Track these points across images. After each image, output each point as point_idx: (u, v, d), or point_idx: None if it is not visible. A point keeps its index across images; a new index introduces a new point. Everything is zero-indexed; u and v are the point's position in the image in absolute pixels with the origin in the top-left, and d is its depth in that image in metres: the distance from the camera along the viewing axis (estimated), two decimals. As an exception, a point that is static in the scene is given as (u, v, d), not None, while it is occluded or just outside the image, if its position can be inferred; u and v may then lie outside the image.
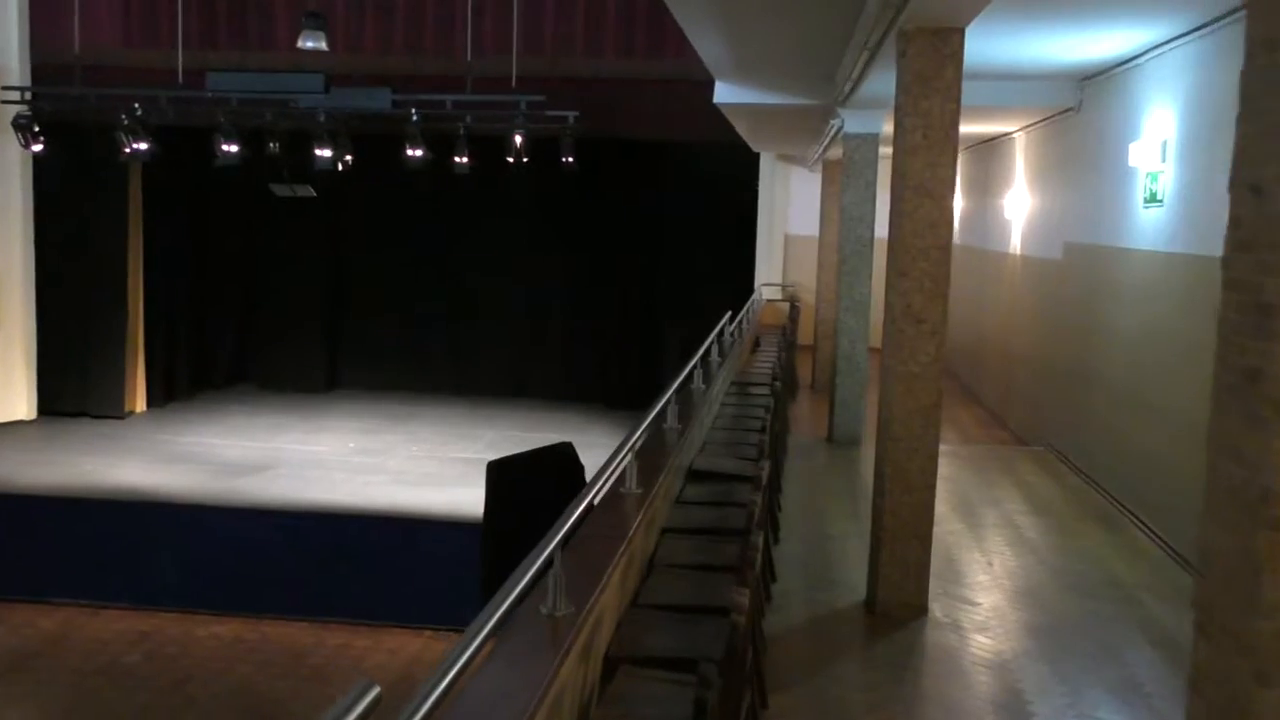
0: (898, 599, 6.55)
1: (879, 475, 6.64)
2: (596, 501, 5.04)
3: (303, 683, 11.97)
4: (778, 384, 9.19)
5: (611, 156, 18.50)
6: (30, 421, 17.93)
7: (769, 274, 20.01)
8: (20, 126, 15.81)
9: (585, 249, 20.02)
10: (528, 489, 7.80)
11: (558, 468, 8.19)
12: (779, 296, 19.79)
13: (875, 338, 8.75)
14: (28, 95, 16.49)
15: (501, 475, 8.58)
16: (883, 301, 6.77)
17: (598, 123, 16.21)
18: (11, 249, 17.60)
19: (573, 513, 4.21)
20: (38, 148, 16.02)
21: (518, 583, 3.56)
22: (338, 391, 20.98)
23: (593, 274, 20.08)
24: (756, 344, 15.32)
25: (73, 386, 18.59)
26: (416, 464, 16.12)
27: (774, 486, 7.86)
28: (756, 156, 19.20)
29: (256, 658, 12.58)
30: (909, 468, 6.47)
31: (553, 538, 3.95)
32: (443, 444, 17.29)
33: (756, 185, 19.73)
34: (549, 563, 3.93)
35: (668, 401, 7.17)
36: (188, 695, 11.82)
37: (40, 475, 14.98)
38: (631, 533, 5.05)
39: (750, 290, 18.73)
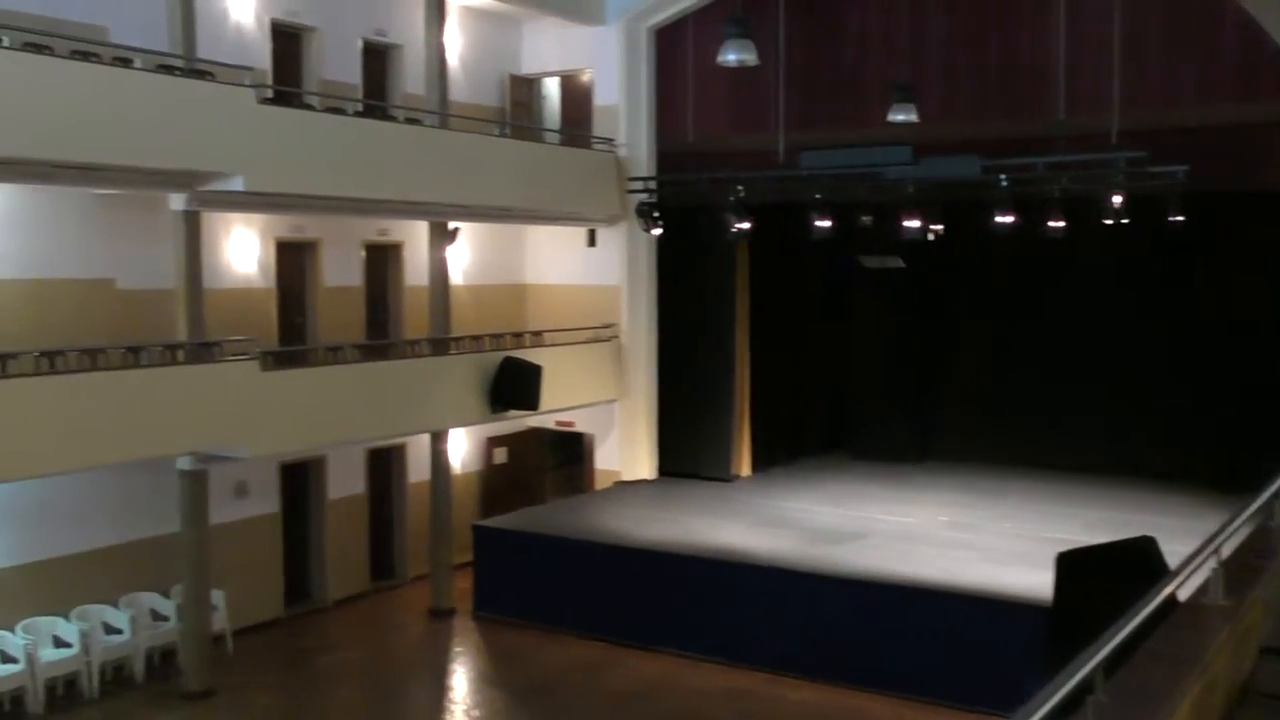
0: None
1: None
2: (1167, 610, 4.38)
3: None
4: None
5: (1228, 213, 16.50)
6: (651, 481, 19.61)
7: None
8: (642, 213, 17.48)
9: (1192, 315, 18.08)
10: (1099, 587, 7.05)
11: (1134, 566, 7.33)
12: None
13: None
14: (650, 184, 18.25)
15: (1071, 569, 7.87)
16: None
17: (1210, 176, 14.61)
18: (639, 325, 19.52)
19: (1121, 628, 3.68)
20: (657, 231, 17.58)
21: (1046, 701, 3.15)
22: (930, 463, 20.73)
23: (1202, 342, 18.02)
24: None
25: (687, 450, 20.03)
26: (1008, 541, 15.41)
27: None
28: None
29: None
30: None
31: (1091, 656, 3.46)
32: (1036, 521, 16.39)
33: None
34: (1086, 686, 3.46)
35: (1275, 495, 6.16)
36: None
37: (656, 531, 16.26)
38: (1210, 654, 4.32)
39: None
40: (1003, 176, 14.91)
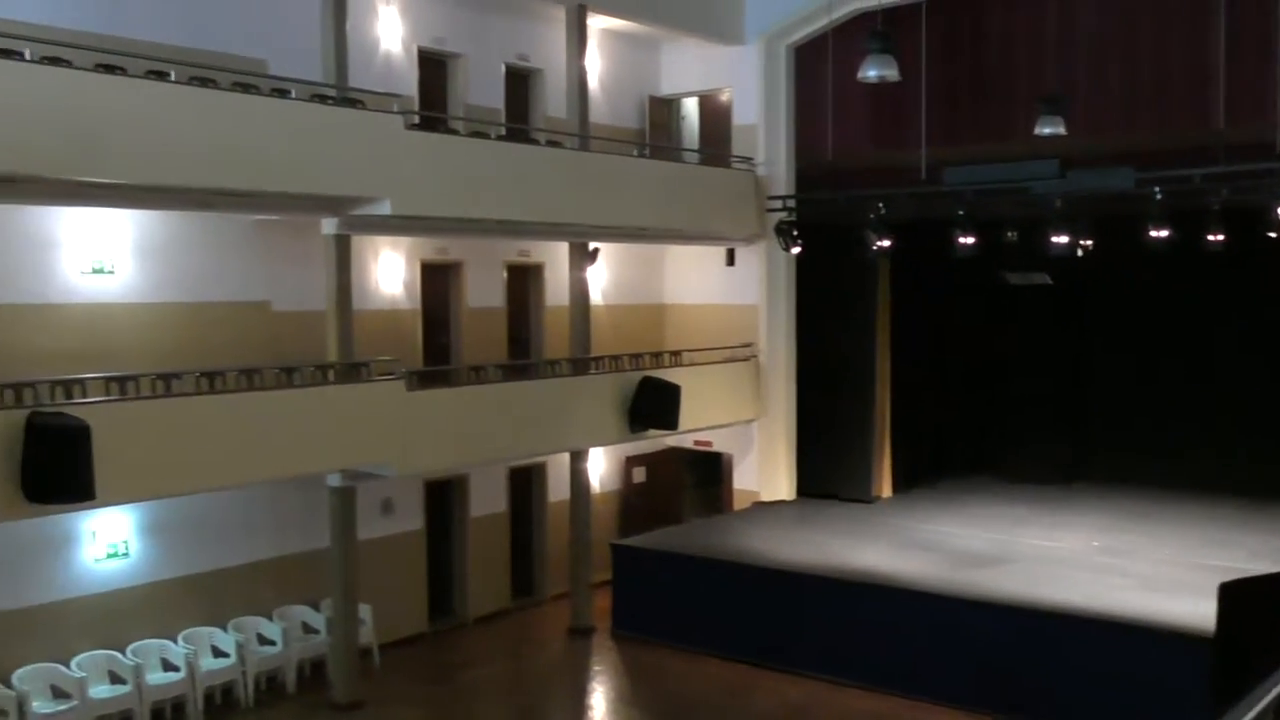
0: None
1: None
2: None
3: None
4: None
5: None
6: (790, 502, 19.44)
7: None
8: (781, 231, 17.39)
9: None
10: (1267, 620, 6.71)
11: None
12: None
13: None
14: (789, 202, 18.16)
15: (1236, 600, 7.51)
16: None
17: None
18: (778, 344, 19.41)
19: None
20: (796, 250, 17.47)
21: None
22: (1080, 485, 20.08)
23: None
24: None
25: (826, 470, 19.80)
26: (1165, 569, 14.82)
27: None
28: None
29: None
30: None
31: (1263, 695, 3.29)
32: (1195, 548, 15.74)
33: None
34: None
35: None
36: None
37: (795, 552, 16.09)
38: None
39: None
40: (1157, 189, 14.39)
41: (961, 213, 15.62)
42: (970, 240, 15.68)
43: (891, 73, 13.18)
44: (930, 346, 20.64)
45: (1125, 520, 17.60)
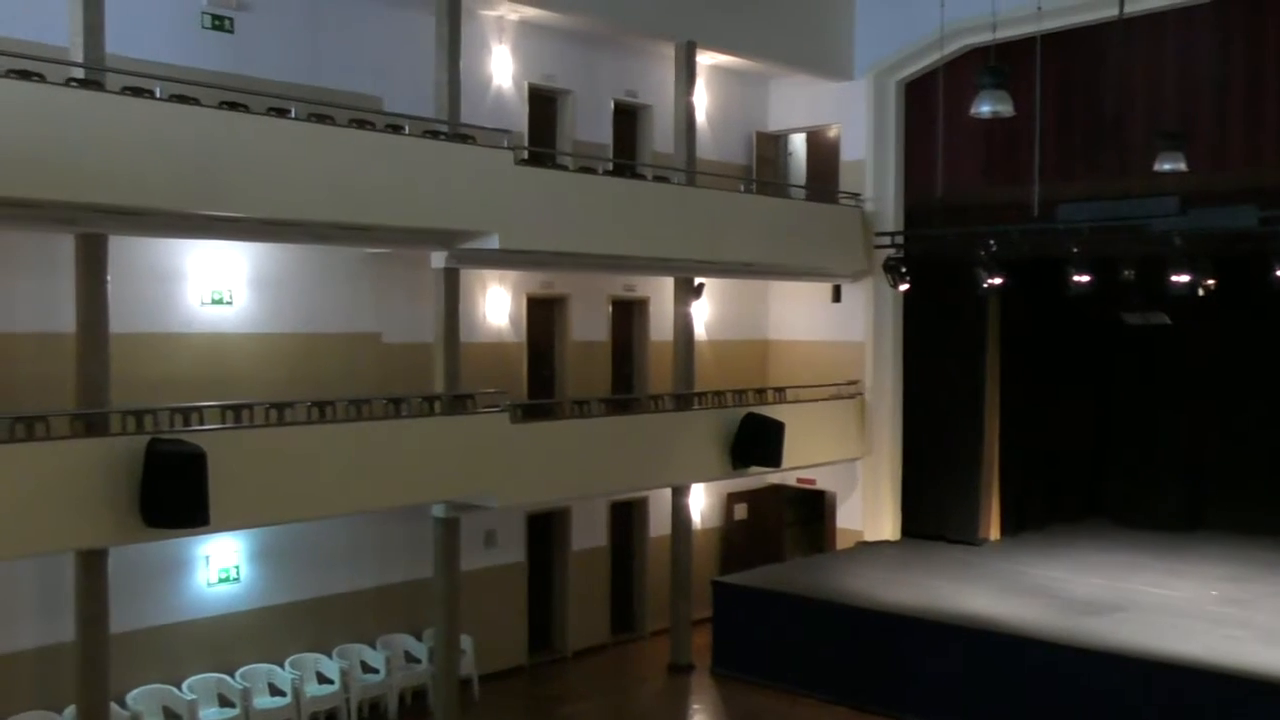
0: None
1: None
2: None
3: None
4: None
5: None
6: (894, 542, 19.10)
7: None
8: (890, 268, 17.20)
9: None
10: None
11: None
12: None
13: None
14: (898, 239, 17.95)
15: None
16: None
17: None
18: (884, 382, 19.16)
19: None
20: (904, 287, 17.26)
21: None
22: (1201, 532, 19.40)
23: None
24: None
25: (932, 511, 19.42)
26: (1291, 621, 14.23)
27: None
28: None
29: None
30: None
31: None
32: (1325, 601, 15.09)
33: None
34: None
35: None
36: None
37: (900, 594, 15.78)
38: None
39: None
40: (1284, 227, 13.91)
41: (1076, 250, 15.29)
42: (1085, 279, 15.36)
43: (1006, 108, 12.99)
44: (1042, 386, 20.14)
45: (1246, 570, 16.97)
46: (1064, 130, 17.29)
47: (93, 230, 11.15)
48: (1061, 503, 20.80)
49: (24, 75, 10.17)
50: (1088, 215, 15.20)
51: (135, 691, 12.52)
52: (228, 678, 13.25)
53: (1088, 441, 21.13)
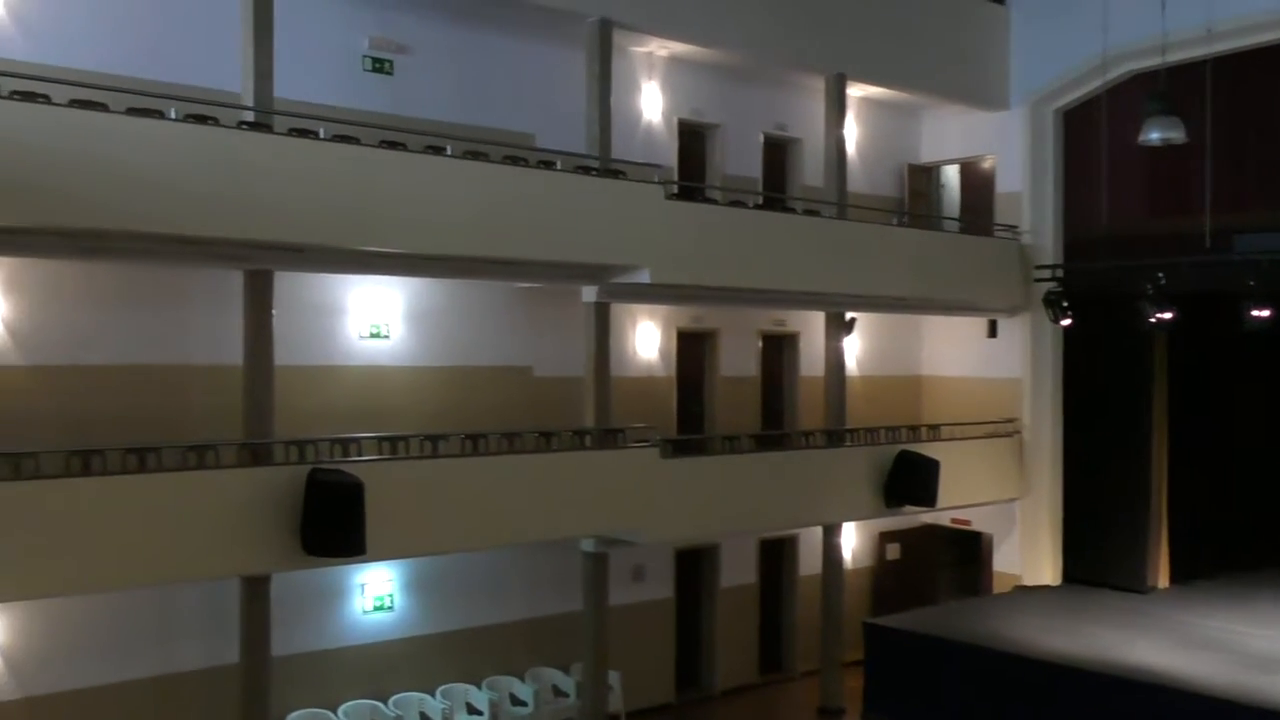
0: None
1: None
2: None
3: None
4: None
5: None
6: (1055, 587, 18.37)
7: None
8: (1050, 302, 16.63)
9: None
10: None
11: None
12: None
13: None
14: (1058, 272, 17.37)
15: None
16: None
17: None
18: (1043, 420, 18.52)
19: None
20: (1066, 322, 16.66)
21: None
22: (1391, 584, 18.14)
23: None
24: None
25: (1096, 555, 18.61)
26: None
27: None
28: None
29: None
30: None
31: None
32: None
33: None
34: None
35: None
36: None
37: (1061, 642, 15.12)
38: None
39: None
40: None
41: (1253, 283, 14.52)
42: (1264, 314, 14.55)
43: (1177, 134, 12.49)
44: (1214, 426, 19.14)
45: None
46: (1236, 158, 16.52)
47: (260, 267, 11.56)
48: (1238, 549, 19.67)
49: (200, 120, 10.63)
50: (1268, 246, 14.46)
51: (294, 714, 12.82)
52: (381, 705, 13.46)
53: (1266, 484, 19.98)
